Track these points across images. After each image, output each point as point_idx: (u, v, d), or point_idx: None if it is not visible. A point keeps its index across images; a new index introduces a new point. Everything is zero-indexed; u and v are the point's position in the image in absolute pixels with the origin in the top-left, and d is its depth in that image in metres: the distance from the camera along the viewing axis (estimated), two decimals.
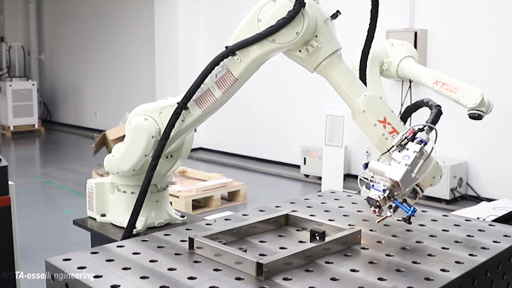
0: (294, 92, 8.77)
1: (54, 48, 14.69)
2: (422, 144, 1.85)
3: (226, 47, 2.14)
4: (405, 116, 2.41)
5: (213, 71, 2.19)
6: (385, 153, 1.94)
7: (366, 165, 1.90)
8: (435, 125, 1.92)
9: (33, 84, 13.03)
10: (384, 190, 1.80)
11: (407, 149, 1.84)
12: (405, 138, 1.87)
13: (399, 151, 1.85)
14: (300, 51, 2.13)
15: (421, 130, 1.89)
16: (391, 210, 1.85)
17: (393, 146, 1.89)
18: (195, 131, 2.54)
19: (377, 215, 1.86)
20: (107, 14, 12.60)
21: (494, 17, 6.56)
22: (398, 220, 1.95)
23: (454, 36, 6.90)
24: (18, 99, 12.57)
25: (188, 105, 2.26)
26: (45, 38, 14.95)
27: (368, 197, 1.84)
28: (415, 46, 6.57)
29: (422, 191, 2.08)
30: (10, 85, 12.57)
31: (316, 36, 2.10)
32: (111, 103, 12.52)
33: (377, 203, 1.81)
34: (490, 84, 6.14)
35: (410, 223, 1.93)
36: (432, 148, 1.87)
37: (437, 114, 1.98)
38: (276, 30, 2.05)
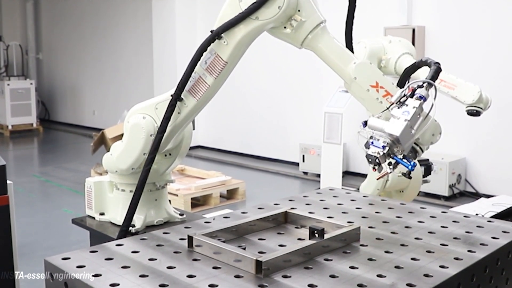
0: (292, 89, 8.76)
1: (52, 47, 14.66)
2: (422, 100, 1.84)
3: (211, 31, 2.16)
4: (403, 78, 2.42)
5: (202, 58, 2.21)
6: (384, 110, 1.94)
7: (365, 123, 1.88)
8: (434, 81, 1.91)
9: (31, 83, 13.01)
10: (383, 147, 1.79)
11: (407, 105, 1.83)
12: (404, 95, 1.87)
13: (399, 108, 1.84)
14: (285, 27, 2.17)
15: (420, 87, 1.88)
16: (391, 167, 1.85)
17: (392, 103, 1.88)
18: (194, 129, 2.54)
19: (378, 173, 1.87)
20: (105, 12, 12.58)
21: (491, 13, 6.55)
22: (402, 173, 1.94)
23: (452, 32, 6.90)
24: (16, 98, 12.55)
25: (182, 96, 2.27)
26: (43, 37, 14.91)
27: (367, 154, 1.83)
28: (413, 43, 6.56)
29: (422, 151, 2.09)
30: (8, 84, 12.56)
31: (299, 11, 2.14)
32: (110, 101, 12.50)
33: (377, 160, 1.80)
34: (488, 80, 6.14)
35: (410, 177, 1.94)
36: (432, 105, 1.86)
37: (436, 71, 1.98)
38: (258, 7, 2.09)
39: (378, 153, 1.80)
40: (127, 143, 2.43)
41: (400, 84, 2.43)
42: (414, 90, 1.87)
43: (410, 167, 1.83)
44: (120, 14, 12.12)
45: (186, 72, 2.22)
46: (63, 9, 14.01)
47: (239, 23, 2.13)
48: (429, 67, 2.03)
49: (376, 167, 1.82)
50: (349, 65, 2.16)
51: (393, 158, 1.83)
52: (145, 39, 11.08)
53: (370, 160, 1.82)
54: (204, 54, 2.21)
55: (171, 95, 2.29)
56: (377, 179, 1.91)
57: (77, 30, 13.54)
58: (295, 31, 2.16)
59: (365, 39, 3.66)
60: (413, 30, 6.90)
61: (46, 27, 14.79)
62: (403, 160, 1.82)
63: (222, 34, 2.16)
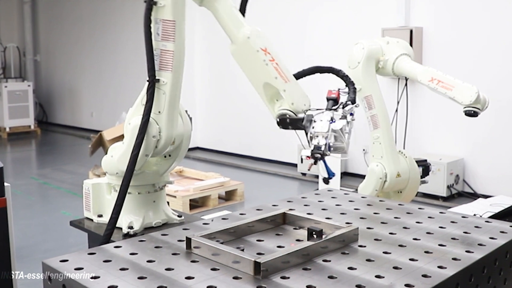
0: None
1: (50, 48, 14.65)
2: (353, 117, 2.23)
3: (144, 1, 2.29)
4: (300, 75, 2.63)
5: (153, 32, 2.31)
6: (322, 111, 2.27)
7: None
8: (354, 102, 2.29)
9: (29, 85, 12.98)
10: (325, 145, 2.13)
11: (345, 117, 2.19)
12: (341, 103, 2.24)
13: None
14: None
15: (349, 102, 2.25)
16: (315, 162, 2.20)
17: (331, 108, 2.23)
18: (191, 129, 2.55)
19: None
20: (103, 14, 12.57)
21: (489, 14, 6.57)
22: (323, 177, 2.23)
23: (449, 33, 6.91)
24: (13, 100, 12.52)
25: (156, 77, 2.33)
26: (40, 38, 14.90)
27: (315, 145, 2.16)
28: (411, 44, 6.58)
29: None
30: (6, 86, 12.53)
31: None
32: (107, 103, 12.49)
33: (317, 154, 2.14)
34: (485, 81, 6.15)
35: (328, 183, 2.30)
36: (349, 122, 2.22)
37: (354, 91, 2.36)
38: None
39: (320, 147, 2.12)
40: (128, 145, 2.42)
41: (298, 77, 2.58)
42: (345, 102, 2.24)
43: (331, 174, 2.17)
44: (118, 15, 12.12)
45: (148, 52, 2.34)
46: (61, 11, 14.00)
47: None
48: (345, 81, 2.39)
49: (309, 156, 2.14)
50: (244, 28, 2.33)
51: (322, 161, 2.16)
52: (143, 40, 11.05)
53: (313, 150, 2.14)
54: (152, 27, 2.30)
55: (147, 81, 2.35)
56: (308, 170, 2.18)
57: (75, 31, 13.53)
58: None
59: (363, 40, 3.67)
60: (411, 31, 6.91)
61: (44, 29, 14.77)
62: (328, 166, 2.13)
63: None
